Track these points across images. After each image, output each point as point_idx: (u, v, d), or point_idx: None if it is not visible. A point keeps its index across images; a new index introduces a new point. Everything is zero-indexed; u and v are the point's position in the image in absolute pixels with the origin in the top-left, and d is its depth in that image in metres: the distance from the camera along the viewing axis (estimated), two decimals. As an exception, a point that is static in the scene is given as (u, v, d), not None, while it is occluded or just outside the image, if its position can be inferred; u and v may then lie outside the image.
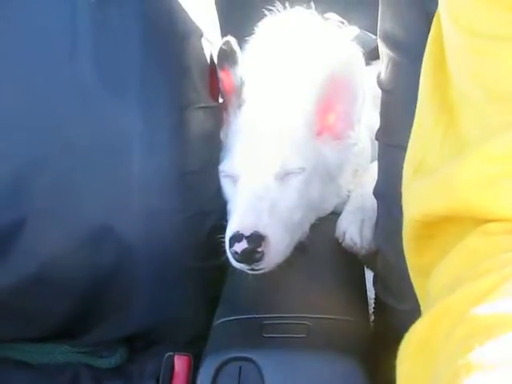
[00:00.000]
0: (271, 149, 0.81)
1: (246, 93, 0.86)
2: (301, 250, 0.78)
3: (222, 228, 0.77)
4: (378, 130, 0.76)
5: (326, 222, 0.84)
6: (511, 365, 0.29)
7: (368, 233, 0.80)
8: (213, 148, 0.83)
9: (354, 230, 0.80)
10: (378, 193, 0.75)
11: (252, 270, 0.74)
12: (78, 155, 0.73)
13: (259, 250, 0.72)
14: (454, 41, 0.48)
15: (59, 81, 0.72)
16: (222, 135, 0.86)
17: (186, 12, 0.78)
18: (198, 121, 0.79)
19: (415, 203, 0.49)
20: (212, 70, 0.84)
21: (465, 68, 0.46)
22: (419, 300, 0.50)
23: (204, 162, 0.80)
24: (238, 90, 0.86)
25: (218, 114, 0.86)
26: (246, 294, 0.74)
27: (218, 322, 0.68)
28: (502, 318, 0.33)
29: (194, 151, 0.78)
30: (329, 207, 0.87)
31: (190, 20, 0.79)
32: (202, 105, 0.80)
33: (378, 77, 0.75)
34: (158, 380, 0.75)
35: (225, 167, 0.83)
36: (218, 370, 0.61)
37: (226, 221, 0.78)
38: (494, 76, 0.43)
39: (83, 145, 0.73)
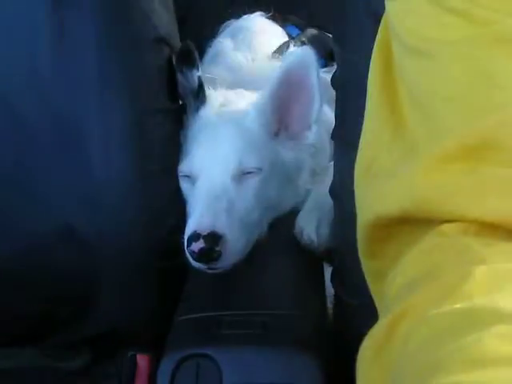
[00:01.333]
0: (228, 149, 0.82)
1: (205, 95, 0.87)
2: (259, 246, 0.79)
3: (182, 227, 0.78)
4: (333, 130, 0.77)
5: (284, 220, 0.85)
6: (475, 364, 0.29)
7: (325, 231, 0.81)
8: (171, 150, 0.84)
9: (311, 228, 0.81)
10: (333, 192, 0.76)
11: (210, 269, 0.75)
12: (39, 153, 0.74)
13: (216, 249, 0.73)
14: (400, 43, 0.49)
15: (18, 78, 0.73)
16: (181, 137, 0.87)
17: (144, 15, 0.79)
18: (156, 123, 0.80)
19: (369, 206, 0.49)
20: (170, 73, 0.85)
21: (412, 70, 0.47)
22: (376, 302, 0.50)
23: (164, 163, 0.81)
24: (196, 93, 0.87)
25: (177, 117, 0.87)
26: (205, 292, 0.75)
27: (178, 320, 0.69)
28: (465, 318, 0.32)
29: (153, 153, 0.79)
30: (287, 206, 0.88)
31: (149, 23, 0.79)
32: (161, 107, 0.81)
33: (332, 76, 0.77)
34: (120, 380, 0.76)
35: (183, 168, 0.84)
36: (176, 368, 0.62)
37: (185, 221, 0.79)
38: (440, 78, 0.44)
39: (43, 143, 0.74)
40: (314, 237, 0.81)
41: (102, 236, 0.75)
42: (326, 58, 0.99)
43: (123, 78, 0.77)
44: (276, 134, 0.86)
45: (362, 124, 0.55)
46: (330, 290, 0.80)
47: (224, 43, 1.03)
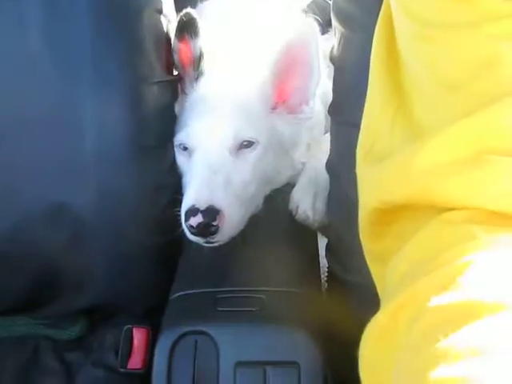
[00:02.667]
0: (225, 121, 0.81)
1: (204, 65, 0.86)
2: (255, 223, 0.79)
3: (178, 202, 0.78)
4: (330, 105, 0.77)
5: (279, 194, 0.85)
6: (475, 355, 0.30)
7: (320, 206, 0.81)
8: (167, 123, 0.83)
9: (306, 204, 0.81)
10: (330, 168, 0.76)
11: (207, 242, 0.76)
12: (31, 131, 0.73)
13: (214, 223, 0.73)
14: (405, 28, 0.48)
15: (8, 53, 0.71)
16: (177, 107, 0.86)
17: None
18: (152, 95, 0.78)
19: (372, 190, 0.49)
20: (166, 44, 0.83)
21: (416, 56, 0.47)
22: (376, 284, 0.51)
23: (159, 136, 0.80)
24: (196, 62, 0.85)
25: (173, 88, 0.85)
26: (200, 268, 0.75)
27: (174, 296, 0.70)
28: (465, 308, 0.33)
29: (148, 126, 0.78)
30: (283, 179, 0.88)
31: None
32: (156, 79, 0.79)
33: (331, 52, 0.76)
34: (117, 352, 0.77)
35: (180, 139, 0.83)
36: (174, 344, 0.63)
37: (182, 195, 0.79)
38: (445, 64, 0.44)
39: (36, 120, 0.73)
40: (309, 212, 0.81)
41: (96, 211, 0.75)
42: (324, 25, 0.97)
43: (117, 50, 0.75)
44: (274, 108, 0.85)
45: (359, 103, 0.54)
46: (323, 261, 0.81)
47: (221, 12, 1.01)
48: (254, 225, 0.78)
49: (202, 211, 0.73)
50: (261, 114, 0.84)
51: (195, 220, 0.73)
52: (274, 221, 0.82)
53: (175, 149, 0.84)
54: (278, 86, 0.85)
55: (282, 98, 0.86)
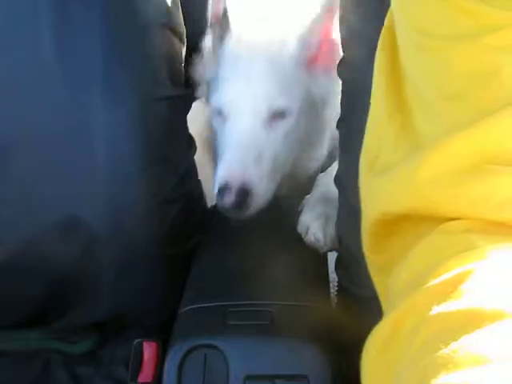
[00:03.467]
0: (260, 89, 0.80)
1: (230, 21, 0.85)
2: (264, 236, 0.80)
3: (186, 216, 0.79)
4: (339, 120, 0.77)
5: (291, 208, 0.86)
6: (477, 364, 0.30)
7: (332, 230, 0.80)
8: (177, 137, 0.84)
9: (317, 227, 0.80)
10: (338, 182, 0.76)
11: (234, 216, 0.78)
12: (43, 145, 0.74)
13: (246, 201, 0.76)
14: (406, 39, 0.49)
15: (20, 68, 0.72)
16: (204, 71, 0.87)
17: (148, 2, 0.78)
18: (162, 111, 0.79)
19: (374, 202, 0.49)
20: (176, 59, 0.84)
21: (417, 67, 0.47)
22: (379, 296, 0.50)
23: (168, 151, 0.81)
24: (222, 18, 0.85)
25: (184, 103, 0.86)
26: (210, 282, 0.76)
27: (184, 309, 0.70)
28: (467, 316, 0.33)
29: (157, 141, 0.79)
30: (312, 147, 0.89)
31: (152, 9, 0.79)
32: (167, 95, 0.81)
33: (338, 66, 0.76)
34: (127, 366, 0.77)
35: (213, 103, 0.83)
36: (183, 358, 0.63)
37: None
38: (446, 75, 0.44)
39: (47, 134, 0.74)
40: (320, 236, 0.80)
41: (106, 225, 0.76)
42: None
43: (128, 66, 0.76)
44: (309, 65, 0.84)
45: (367, 115, 0.55)
46: (332, 275, 0.80)
47: None
48: (263, 239, 0.79)
49: (235, 191, 0.76)
50: (296, 77, 0.83)
51: (228, 200, 0.76)
52: (283, 234, 0.83)
53: (210, 109, 0.85)
54: (315, 41, 0.83)
55: (319, 53, 0.84)
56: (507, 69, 0.41)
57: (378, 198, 0.49)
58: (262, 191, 0.78)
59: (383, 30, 0.53)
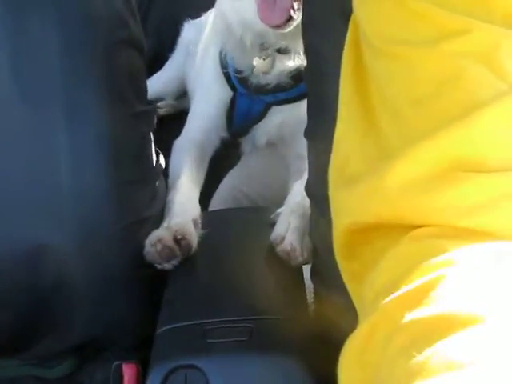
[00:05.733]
0: None
1: None
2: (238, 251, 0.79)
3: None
4: (306, 127, 0.77)
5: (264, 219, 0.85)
6: (451, 369, 0.30)
7: (308, 243, 0.79)
8: (144, 155, 0.83)
9: (294, 238, 0.79)
10: (309, 191, 0.76)
11: None
12: (4, 171, 0.72)
13: None
14: (370, 46, 0.49)
15: None
16: None
17: (106, 18, 0.77)
18: (128, 128, 0.78)
19: (344, 212, 0.49)
20: (139, 75, 0.83)
21: (381, 73, 0.47)
22: (355, 304, 0.49)
23: (136, 170, 0.80)
24: None
25: (149, 119, 0.85)
26: (186, 299, 0.75)
27: (161, 330, 0.69)
28: (440, 322, 0.33)
29: (124, 160, 0.78)
30: None
31: (111, 24, 0.78)
32: (132, 111, 0.80)
33: (305, 76, 0.76)
34: (108, 391, 0.76)
35: None
36: (164, 380, 0.62)
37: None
38: (408, 81, 0.44)
39: (8, 160, 0.72)
40: (297, 246, 0.79)
41: (76, 250, 0.74)
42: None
43: (89, 84, 0.75)
44: None
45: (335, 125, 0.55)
46: (308, 283, 0.80)
47: None
48: (237, 251, 0.78)
49: None
50: None
51: None
52: (257, 246, 0.82)
53: None
54: None
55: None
56: (469, 74, 0.41)
57: (347, 208, 0.48)
58: None
59: (347, 38, 0.53)
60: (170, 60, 1.38)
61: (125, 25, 0.80)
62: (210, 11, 1.31)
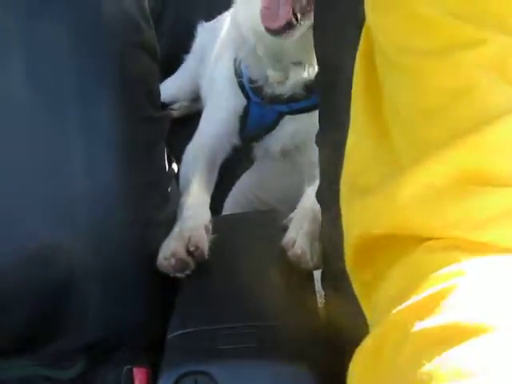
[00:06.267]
0: None
1: None
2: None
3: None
4: (317, 133, 0.77)
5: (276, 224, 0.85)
6: (461, 378, 0.30)
7: (318, 248, 0.80)
8: (157, 159, 0.83)
9: (304, 242, 0.80)
10: (320, 197, 0.76)
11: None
12: (20, 174, 0.73)
13: None
14: (383, 56, 0.49)
15: None
16: None
17: (119, 21, 0.78)
18: (140, 133, 0.79)
19: (356, 223, 0.49)
20: (152, 79, 0.84)
21: (394, 83, 0.47)
22: (365, 313, 0.49)
23: (149, 174, 0.80)
24: None
25: (162, 124, 0.86)
26: (196, 305, 0.75)
27: (172, 335, 0.70)
28: (450, 331, 0.33)
29: (138, 164, 0.78)
30: None
31: (124, 28, 0.78)
32: (145, 116, 0.80)
33: (316, 79, 0.76)
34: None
35: None
36: (174, 385, 0.63)
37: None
38: (420, 92, 0.44)
39: (24, 164, 0.73)
40: (307, 249, 0.79)
41: (90, 251, 0.75)
42: None
43: (102, 87, 0.75)
44: None
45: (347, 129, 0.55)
46: (319, 287, 0.80)
47: None
48: (247, 258, 0.79)
49: None
50: None
51: None
52: (268, 251, 0.82)
53: None
54: None
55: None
56: (483, 86, 0.41)
57: (359, 219, 0.48)
58: None
59: (359, 49, 0.53)
60: (184, 63, 1.39)
61: (137, 28, 0.80)
62: (224, 14, 1.31)
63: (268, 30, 0.90)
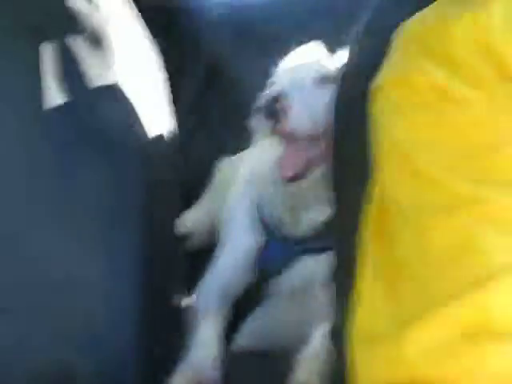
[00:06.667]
0: None
1: None
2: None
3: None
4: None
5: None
6: None
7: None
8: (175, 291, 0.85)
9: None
10: (334, 334, 0.76)
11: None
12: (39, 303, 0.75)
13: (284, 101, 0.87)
14: (391, 207, 0.52)
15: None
16: None
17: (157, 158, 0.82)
18: (159, 260, 0.81)
19: (365, 370, 0.50)
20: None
21: (401, 236, 0.49)
22: None
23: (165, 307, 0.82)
24: None
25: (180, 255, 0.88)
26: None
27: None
28: None
29: (157, 292, 0.80)
30: None
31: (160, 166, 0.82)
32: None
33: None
34: None
35: None
36: None
37: None
38: (425, 246, 0.46)
39: (44, 285, 0.75)
40: None
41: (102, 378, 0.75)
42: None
43: (130, 220, 0.79)
44: None
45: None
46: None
47: None
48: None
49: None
50: None
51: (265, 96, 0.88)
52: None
53: None
54: None
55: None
56: (483, 242, 0.44)
57: (368, 366, 0.49)
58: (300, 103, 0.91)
59: (374, 196, 0.56)
60: (204, 196, 1.44)
61: (172, 166, 0.85)
62: (244, 151, 1.37)
63: (283, 178, 0.95)
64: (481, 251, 0.44)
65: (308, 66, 1.00)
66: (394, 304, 0.49)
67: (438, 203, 0.46)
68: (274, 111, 0.90)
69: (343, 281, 0.74)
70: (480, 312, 0.43)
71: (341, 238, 0.75)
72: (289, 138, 0.95)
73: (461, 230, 0.45)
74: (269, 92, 0.92)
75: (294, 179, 0.95)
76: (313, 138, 0.95)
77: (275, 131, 0.94)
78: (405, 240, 0.49)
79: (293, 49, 1.10)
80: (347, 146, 0.70)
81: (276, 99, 0.89)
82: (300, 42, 1.11)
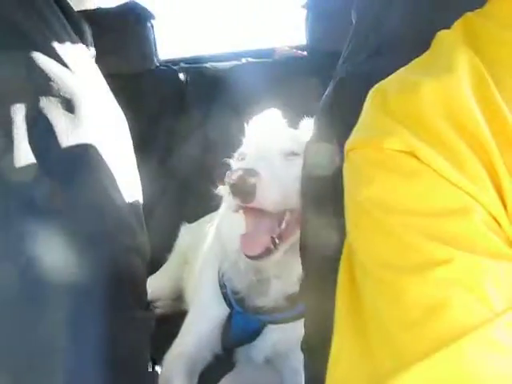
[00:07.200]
0: None
1: None
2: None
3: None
4: (302, 341, 0.77)
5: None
6: None
7: None
8: (142, 360, 0.83)
9: None
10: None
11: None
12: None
13: (252, 180, 0.86)
14: (361, 265, 0.52)
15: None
16: None
17: (117, 227, 0.81)
18: (126, 333, 0.79)
19: None
20: (140, 280, 0.86)
21: (371, 293, 0.50)
22: None
23: (133, 376, 0.79)
24: None
25: (146, 323, 0.86)
26: None
27: None
28: None
29: (122, 366, 0.77)
30: None
31: (120, 232, 0.81)
32: (130, 316, 0.81)
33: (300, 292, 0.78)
34: None
35: None
36: None
37: None
38: (398, 305, 0.46)
39: (7, 358, 0.71)
40: None
41: None
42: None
43: (94, 289, 0.76)
44: None
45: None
46: None
47: None
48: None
49: (242, 170, 0.88)
50: None
51: (235, 174, 0.88)
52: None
53: None
54: None
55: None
56: (454, 302, 0.44)
57: None
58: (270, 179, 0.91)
59: (343, 255, 0.56)
60: (167, 263, 1.43)
61: (132, 232, 0.84)
62: (208, 216, 1.37)
63: (247, 256, 0.95)
64: (453, 311, 0.44)
65: (275, 138, 1.01)
66: (370, 362, 0.48)
67: (410, 264, 0.47)
68: (242, 191, 0.89)
69: (317, 347, 0.74)
70: (452, 369, 0.43)
71: (312, 304, 0.75)
72: (255, 215, 0.94)
73: (431, 289, 0.45)
74: (236, 168, 0.92)
75: (257, 258, 0.94)
76: (281, 213, 0.95)
77: (242, 208, 0.94)
78: (376, 301, 0.49)
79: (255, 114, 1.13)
80: (316, 216, 0.71)
81: (243, 178, 0.89)
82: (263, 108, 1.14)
